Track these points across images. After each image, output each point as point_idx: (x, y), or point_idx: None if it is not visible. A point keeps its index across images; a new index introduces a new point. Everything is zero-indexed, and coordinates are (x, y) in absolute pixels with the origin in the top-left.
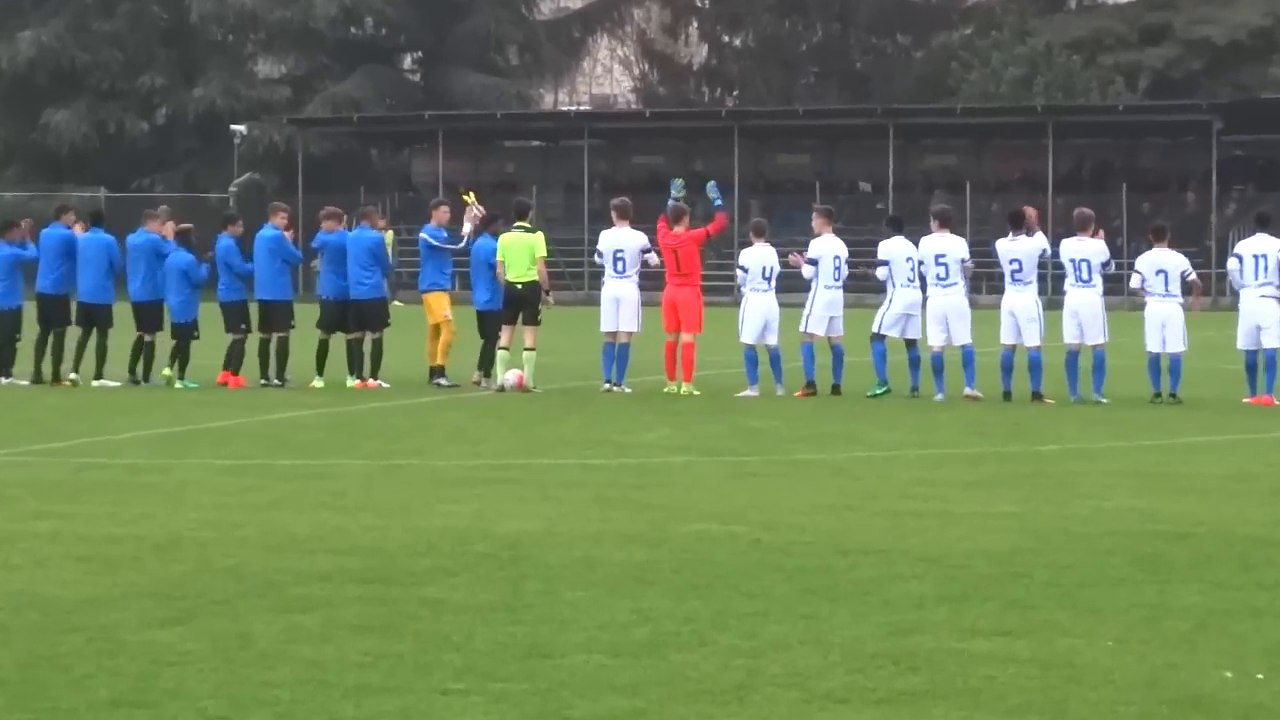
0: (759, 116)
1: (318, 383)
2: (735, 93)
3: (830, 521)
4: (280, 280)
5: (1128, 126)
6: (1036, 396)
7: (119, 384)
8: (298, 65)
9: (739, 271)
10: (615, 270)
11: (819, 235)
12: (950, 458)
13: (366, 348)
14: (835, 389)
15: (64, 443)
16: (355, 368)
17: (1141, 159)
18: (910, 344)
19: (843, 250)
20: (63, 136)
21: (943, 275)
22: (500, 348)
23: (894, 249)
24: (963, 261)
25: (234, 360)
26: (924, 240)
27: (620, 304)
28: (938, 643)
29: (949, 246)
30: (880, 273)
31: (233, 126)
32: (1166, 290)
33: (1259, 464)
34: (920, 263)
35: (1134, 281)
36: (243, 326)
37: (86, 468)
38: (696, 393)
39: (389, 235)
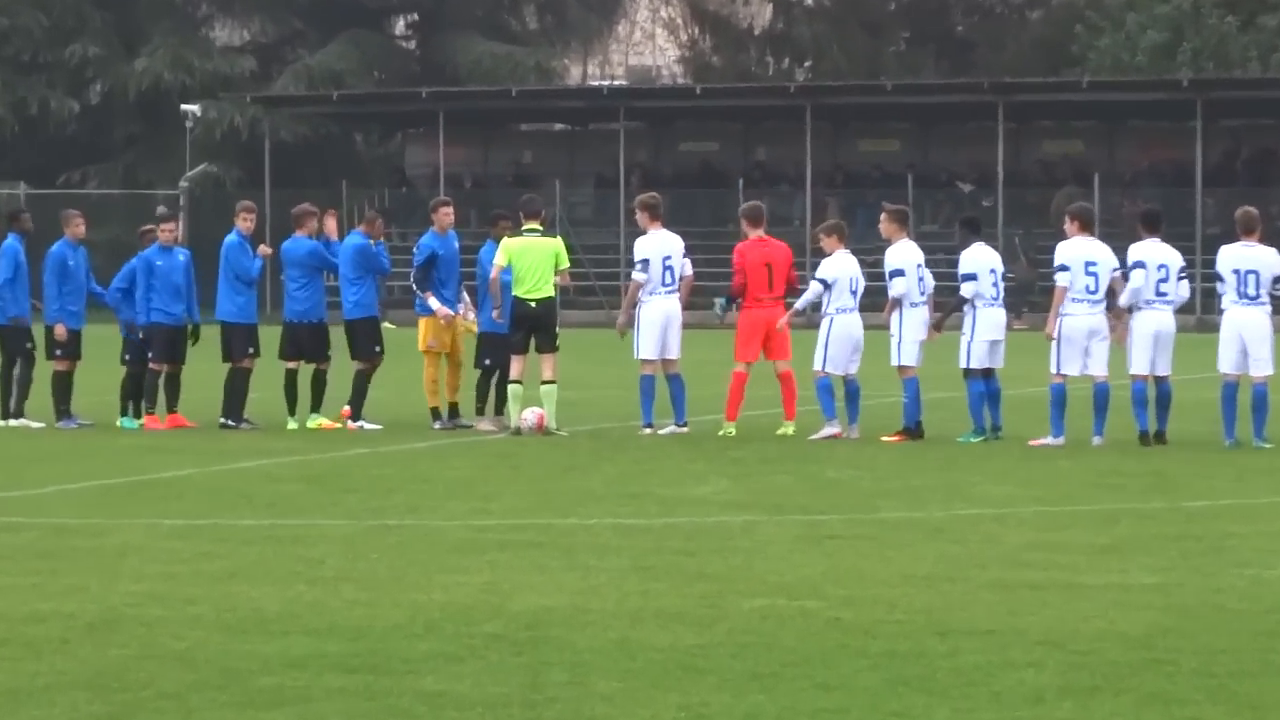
0: (836, 93)
1: (290, 424)
2: (807, 63)
3: (926, 595)
4: (237, 299)
5: None
6: (1160, 437)
7: (41, 425)
8: (264, 31)
9: (816, 286)
10: (664, 283)
11: (893, 243)
12: (1076, 516)
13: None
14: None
15: None
16: (315, 403)
17: None
18: (989, 374)
19: (914, 258)
20: None
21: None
22: (511, 381)
23: (979, 259)
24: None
25: (148, 397)
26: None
27: (670, 325)
28: None
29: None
30: (967, 289)
31: (184, 107)
32: None
33: None
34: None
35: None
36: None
37: (4, 529)
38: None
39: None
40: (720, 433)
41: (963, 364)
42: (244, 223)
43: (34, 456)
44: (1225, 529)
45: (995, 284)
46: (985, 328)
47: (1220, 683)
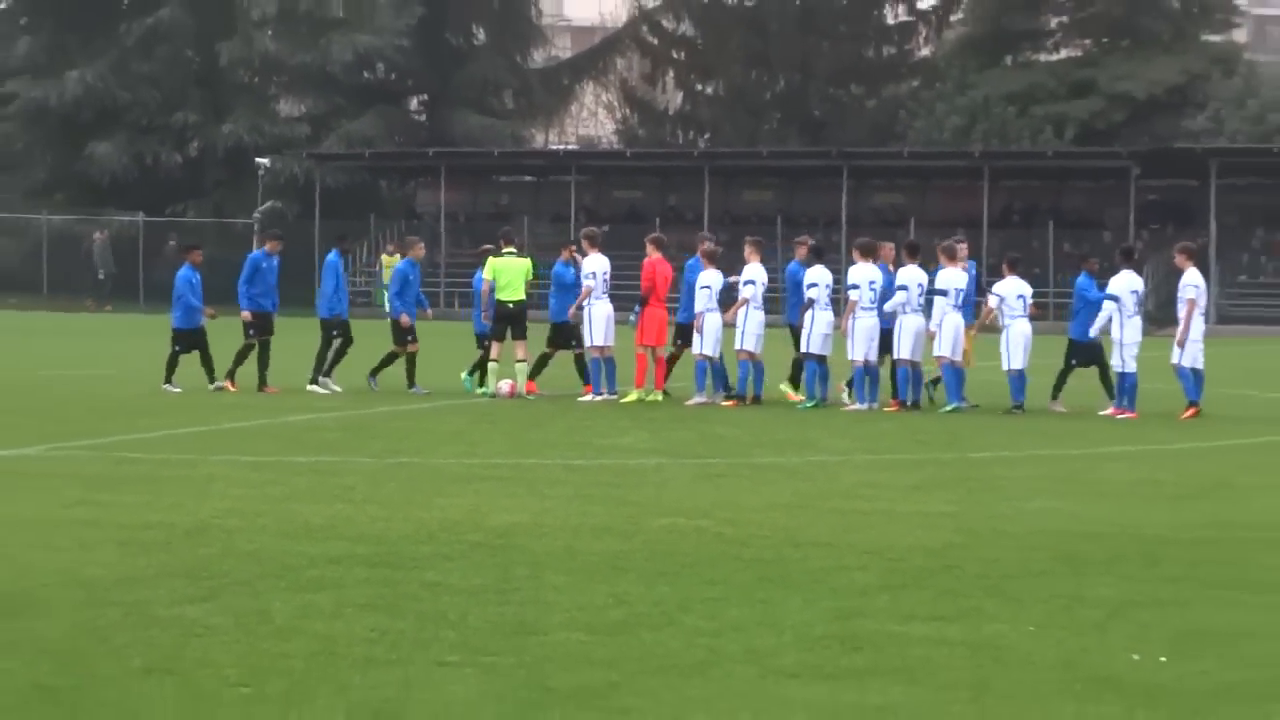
0: (727, 157)
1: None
2: (707, 135)
3: (785, 518)
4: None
5: (1055, 170)
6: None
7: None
8: (316, 105)
9: (750, 287)
10: (606, 290)
11: (749, 263)
12: (893, 463)
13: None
14: (756, 399)
15: (103, 439)
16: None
17: (1067, 200)
18: (824, 359)
19: (762, 275)
20: (104, 166)
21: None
22: (491, 360)
23: (817, 274)
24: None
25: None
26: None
27: (610, 321)
28: (879, 626)
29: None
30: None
31: (257, 159)
32: (1024, 311)
33: (1164, 472)
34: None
35: (991, 302)
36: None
37: (124, 461)
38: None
39: (395, 259)
40: (635, 398)
41: (803, 348)
42: (416, 251)
43: (149, 409)
44: (999, 473)
45: (828, 290)
46: (823, 323)
47: (994, 582)
